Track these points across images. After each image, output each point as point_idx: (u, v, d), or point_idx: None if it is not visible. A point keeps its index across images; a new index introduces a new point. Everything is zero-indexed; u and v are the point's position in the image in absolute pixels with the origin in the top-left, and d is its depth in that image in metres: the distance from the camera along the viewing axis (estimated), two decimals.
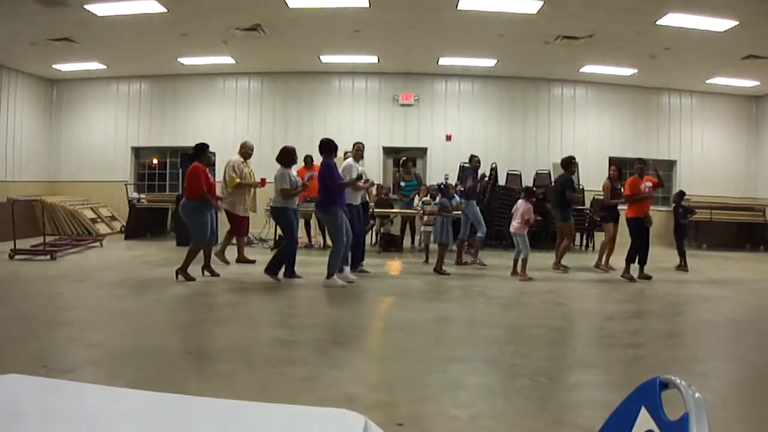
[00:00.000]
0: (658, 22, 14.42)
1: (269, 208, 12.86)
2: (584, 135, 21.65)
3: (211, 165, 13.12)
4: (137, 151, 22.54)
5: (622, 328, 9.01)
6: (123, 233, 19.75)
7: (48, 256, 14.46)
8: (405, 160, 18.24)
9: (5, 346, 7.22)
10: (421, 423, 5.18)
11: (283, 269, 12.17)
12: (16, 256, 14.28)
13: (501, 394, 5.99)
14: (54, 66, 20.28)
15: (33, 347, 7.24)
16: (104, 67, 20.59)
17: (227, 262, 13.98)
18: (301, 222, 16.22)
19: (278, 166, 12.24)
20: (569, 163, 14.76)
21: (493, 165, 18.66)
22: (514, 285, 12.38)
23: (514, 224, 13.39)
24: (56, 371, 6.04)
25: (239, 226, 14.26)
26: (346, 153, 13.98)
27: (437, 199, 14.16)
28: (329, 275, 11.81)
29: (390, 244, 17.53)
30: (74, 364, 6.59)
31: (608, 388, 6.07)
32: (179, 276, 11.97)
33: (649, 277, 13.22)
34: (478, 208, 14.95)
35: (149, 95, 22.48)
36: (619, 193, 14.49)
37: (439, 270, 13.41)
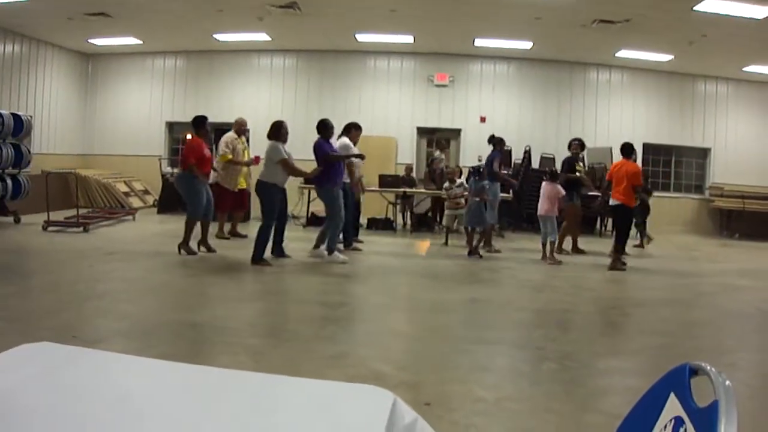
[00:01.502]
0: (695, 8, 14.19)
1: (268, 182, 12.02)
2: (619, 120, 21.39)
3: (211, 138, 13.16)
4: (171, 126, 22.57)
5: (651, 316, 8.95)
6: (156, 207, 19.86)
7: (81, 229, 14.58)
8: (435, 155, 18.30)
9: (37, 317, 7.29)
10: (447, 403, 5.16)
11: (270, 248, 11.85)
12: (50, 228, 14.38)
13: (528, 378, 5.96)
14: (90, 40, 20.32)
15: (64, 318, 7.30)
16: (140, 42, 20.62)
17: (231, 237, 14.31)
18: None
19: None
20: (570, 145, 14.88)
21: (527, 148, 18.56)
22: (544, 269, 12.30)
23: (543, 207, 13.23)
24: (86, 341, 6.07)
25: (226, 200, 14.18)
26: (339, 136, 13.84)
27: (469, 181, 13.94)
28: (330, 252, 11.93)
29: (421, 224, 17.52)
30: (104, 336, 6.64)
31: (635, 375, 6.02)
32: (181, 250, 12.02)
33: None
34: (498, 194, 14.57)
35: (184, 71, 22.51)
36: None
37: (474, 254, 13.21)
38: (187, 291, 9.33)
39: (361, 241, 14.11)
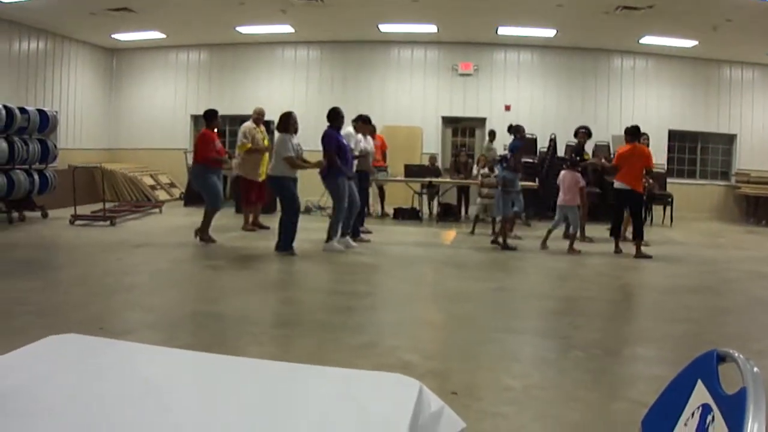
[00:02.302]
0: None
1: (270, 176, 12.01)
2: (643, 107, 21.21)
3: (221, 130, 13.22)
4: (196, 119, 22.53)
5: (678, 303, 8.87)
6: (182, 200, 19.92)
7: (107, 222, 14.65)
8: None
9: (65, 309, 7.35)
10: (475, 392, 5.16)
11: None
12: (77, 222, 14.46)
13: (555, 366, 5.94)
14: (113, 36, 20.40)
15: (91, 310, 7.36)
16: (163, 36, 20.69)
17: (256, 228, 14.33)
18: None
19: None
20: (576, 133, 15.00)
21: (552, 136, 18.48)
22: (570, 258, 12.19)
23: (564, 197, 13.02)
24: (113, 333, 6.08)
25: (249, 190, 14.23)
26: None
27: (496, 171, 13.81)
28: (328, 239, 11.92)
29: (447, 214, 17.51)
30: (131, 327, 6.69)
31: (662, 363, 5.98)
32: (197, 237, 12.20)
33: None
34: (518, 183, 14.14)
35: (208, 64, 22.55)
36: None
37: (504, 244, 12.90)
38: (212, 282, 9.36)
39: (369, 232, 13.95)
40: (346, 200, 11.87)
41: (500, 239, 12.90)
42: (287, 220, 11.46)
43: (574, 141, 18.21)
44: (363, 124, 13.59)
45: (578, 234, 13.18)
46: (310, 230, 12.94)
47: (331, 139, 11.81)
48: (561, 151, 19.04)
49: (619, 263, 11.78)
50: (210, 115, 12.78)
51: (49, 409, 1.88)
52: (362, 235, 13.39)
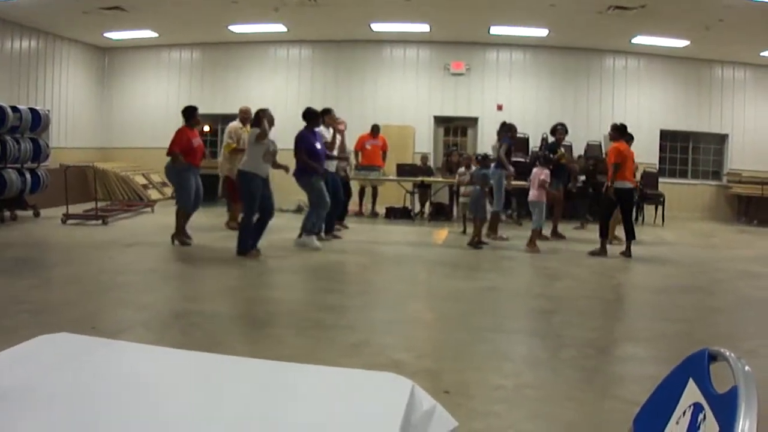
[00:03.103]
0: None
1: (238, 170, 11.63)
2: (635, 107, 21.20)
3: (200, 127, 13.11)
4: None
5: (670, 303, 8.90)
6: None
7: (99, 221, 14.62)
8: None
9: (57, 308, 7.34)
10: (467, 391, 5.17)
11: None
12: (69, 221, 14.43)
13: (547, 365, 5.96)
14: (106, 34, 20.34)
15: (83, 309, 7.35)
16: (156, 35, 20.65)
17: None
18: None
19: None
20: (554, 130, 15.08)
21: (544, 135, 18.49)
22: (562, 257, 12.22)
23: (532, 192, 12.98)
24: (105, 332, 6.08)
25: (234, 189, 13.61)
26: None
27: (473, 169, 13.78)
28: (308, 233, 11.93)
29: (439, 213, 17.51)
30: (123, 326, 6.69)
31: (655, 362, 5.99)
32: (175, 241, 11.99)
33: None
34: (503, 181, 14.07)
35: (201, 63, 22.53)
36: None
37: (475, 244, 12.84)
38: (205, 281, 9.37)
39: (345, 227, 13.96)
40: (325, 196, 11.89)
41: (476, 238, 12.89)
42: (244, 219, 11.18)
43: (567, 141, 18.24)
44: (327, 116, 13.34)
45: (541, 231, 13.10)
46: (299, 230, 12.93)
47: (301, 140, 11.85)
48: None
49: (609, 263, 11.77)
50: (188, 112, 12.63)
51: (40, 409, 1.87)
52: (335, 232, 13.38)
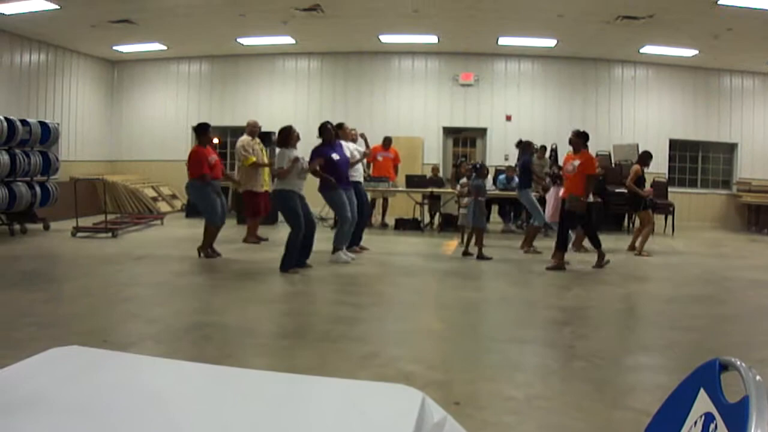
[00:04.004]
0: (719, 2, 14.05)
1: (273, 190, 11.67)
2: (644, 116, 21.25)
3: (213, 144, 13.08)
4: None
5: (680, 312, 8.87)
6: (184, 211, 19.94)
7: (109, 234, 14.68)
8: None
9: (68, 321, 7.36)
10: (477, 402, 5.16)
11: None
12: (78, 234, 14.53)
13: (558, 376, 5.95)
14: (114, 47, 20.44)
15: (94, 322, 7.37)
16: (164, 47, 20.74)
17: (259, 240, 14.20)
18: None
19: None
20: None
21: (554, 146, 18.47)
22: (572, 267, 12.19)
23: (548, 212, 12.76)
24: (116, 345, 6.11)
25: (257, 203, 14.04)
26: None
27: (472, 179, 13.67)
28: (334, 250, 11.93)
29: (449, 224, 17.51)
30: (134, 339, 6.70)
31: (666, 372, 6.00)
32: (201, 254, 12.03)
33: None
34: (531, 196, 14.12)
35: (209, 75, 22.61)
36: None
37: (479, 256, 12.75)
38: (215, 294, 9.38)
39: (366, 248, 13.48)
40: (347, 208, 11.86)
41: (476, 250, 12.84)
42: (290, 236, 10.98)
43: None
44: (341, 131, 13.29)
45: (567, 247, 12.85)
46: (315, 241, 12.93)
47: (313, 153, 11.81)
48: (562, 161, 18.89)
49: (619, 273, 11.75)
50: (202, 129, 12.44)
51: (53, 422, 1.88)
52: (356, 247, 13.17)
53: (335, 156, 11.96)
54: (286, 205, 11.03)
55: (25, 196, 14.73)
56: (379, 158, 17.42)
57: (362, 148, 13.61)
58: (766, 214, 19.52)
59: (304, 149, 11.80)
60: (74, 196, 14.89)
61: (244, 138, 14.13)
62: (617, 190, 16.13)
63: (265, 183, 13.93)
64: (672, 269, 12.36)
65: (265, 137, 14.94)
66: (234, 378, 2.47)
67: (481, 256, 12.74)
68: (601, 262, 12.03)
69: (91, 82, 21.88)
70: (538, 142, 18.77)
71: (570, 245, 13.02)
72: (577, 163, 11.78)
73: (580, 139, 11.97)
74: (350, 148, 12.85)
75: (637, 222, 15.22)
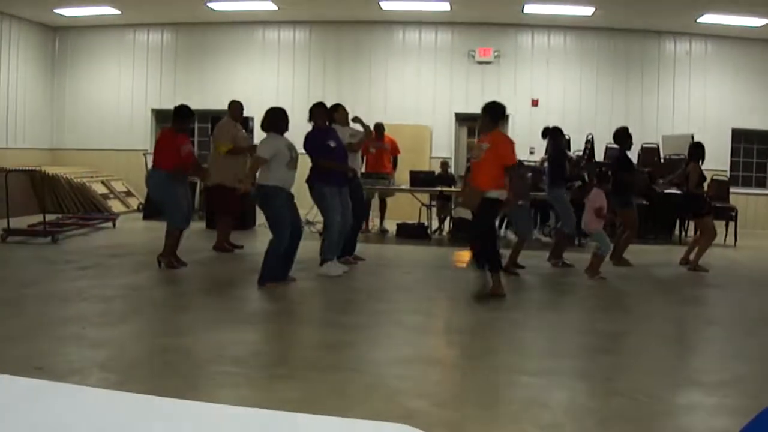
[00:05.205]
0: None
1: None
2: (701, 101, 21.18)
3: (189, 131, 13.04)
4: (159, 114, 22.56)
5: (744, 338, 8.87)
6: (141, 212, 19.89)
7: (48, 238, 14.61)
8: None
9: None
10: None
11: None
12: (10, 238, 14.44)
13: (594, 416, 5.91)
14: (56, 10, 20.35)
15: (27, 346, 7.31)
16: (117, 12, 20.64)
17: (233, 249, 14.13)
18: None
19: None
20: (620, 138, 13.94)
21: (589, 137, 18.46)
22: (610, 284, 12.15)
23: (585, 217, 12.47)
24: (54, 374, 6.07)
25: (226, 201, 13.63)
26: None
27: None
28: (323, 262, 11.73)
29: (461, 230, 17.45)
30: (76, 367, 6.65)
31: (724, 413, 5.97)
32: (162, 263, 11.83)
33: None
34: (565, 198, 13.77)
35: (173, 47, 22.62)
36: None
37: (508, 269, 12.20)
38: (178, 312, 9.35)
39: (361, 258, 13.38)
40: (337, 211, 11.67)
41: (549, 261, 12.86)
42: (272, 242, 10.61)
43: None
44: (337, 114, 13.06)
45: (603, 257, 12.51)
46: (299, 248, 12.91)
47: (308, 141, 11.82)
48: (600, 155, 18.86)
49: (671, 290, 11.74)
50: (183, 113, 12.17)
51: None
52: (348, 257, 12.98)
53: (331, 143, 11.84)
54: (271, 204, 10.66)
55: None
56: (372, 150, 16.98)
57: (360, 134, 13.47)
58: None
59: (291, 139, 11.69)
60: (5, 191, 14.87)
61: (226, 120, 14.04)
62: (667, 191, 16.04)
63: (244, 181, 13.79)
64: (733, 287, 12.36)
65: (242, 124, 14.80)
66: (201, 415, 2.44)
67: (510, 269, 12.43)
68: (482, 291, 10.47)
69: (26, 53, 21.82)
70: (571, 133, 18.65)
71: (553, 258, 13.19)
72: (485, 146, 10.63)
73: (488, 115, 11.09)
74: (346, 134, 12.78)
75: (691, 229, 15.14)
